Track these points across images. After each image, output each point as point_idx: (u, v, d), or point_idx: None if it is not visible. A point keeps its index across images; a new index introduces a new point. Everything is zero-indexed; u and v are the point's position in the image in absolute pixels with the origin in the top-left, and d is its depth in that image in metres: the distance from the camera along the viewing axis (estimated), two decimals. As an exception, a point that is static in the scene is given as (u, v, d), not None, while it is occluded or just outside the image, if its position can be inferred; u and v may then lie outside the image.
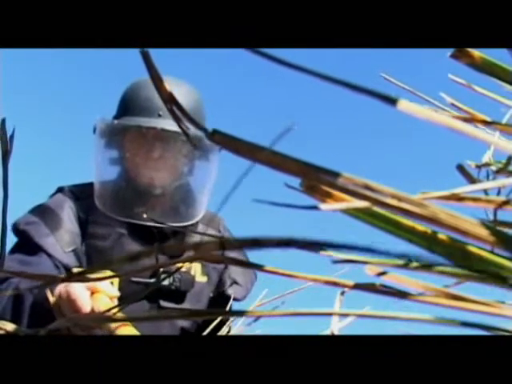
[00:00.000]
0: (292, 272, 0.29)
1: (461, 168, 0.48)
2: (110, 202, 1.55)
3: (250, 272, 1.62)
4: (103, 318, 0.33)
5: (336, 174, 0.27)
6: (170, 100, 0.32)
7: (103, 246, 1.51)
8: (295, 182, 0.29)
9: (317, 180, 0.27)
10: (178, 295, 1.50)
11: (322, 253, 0.29)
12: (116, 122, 1.56)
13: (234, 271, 1.61)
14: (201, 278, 1.56)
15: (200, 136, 1.54)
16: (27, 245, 1.42)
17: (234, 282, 1.58)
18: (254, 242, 0.27)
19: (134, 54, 0.32)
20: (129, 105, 1.56)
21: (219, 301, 1.55)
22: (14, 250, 1.45)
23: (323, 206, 0.29)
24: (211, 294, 1.58)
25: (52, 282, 0.31)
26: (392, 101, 0.26)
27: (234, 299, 1.56)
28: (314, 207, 0.29)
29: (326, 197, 0.29)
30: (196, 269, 1.56)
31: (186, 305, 1.51)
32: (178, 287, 1.49)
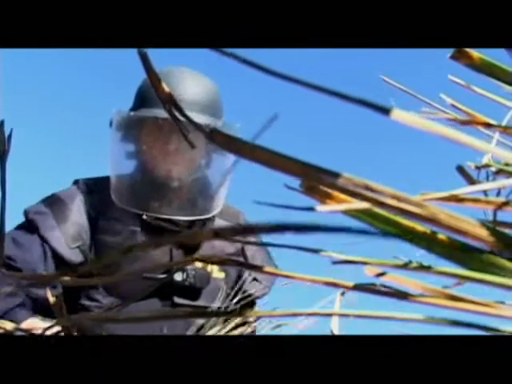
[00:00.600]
0: (292, 273, 0.29)
1: (461, 169, 0.48)
2: (127, 196, 1.51)
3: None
4: (105, 317, 0.33)
5: (336, 175, 0.27)
6: (168, 100, 0.32)
7: (113, 241, 1.47)
8: (295, 182, 0.29)
9: (317, 180, 0.27)
10: (192, 292, 1.46)
11: (322, 253, 0.29)
12: (132, 113, 1.52)
13: None
14: (218, 274, 1.52)
15: (223, 127, 1.48)
16: (29, 228, 1.41)
17: (254, 279, 1.54)
18: (246, 229, 0.27)
19: (134, 53, 0.32)
20: (145, 96, 1.52)
21: (238, 298, 1.51)
22: (18, 227, 1.44)
23: (322, 208, 0.29)
24: (229, 291, 1.53)
25: (50, 280, 0.31)
26: (385, 110, 0.26)
27: (254, 296, 1.52)
28: (313, 208, 0.29)
29: (325, 197, 0.29)
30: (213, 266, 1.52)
31: (201, 302, 1.48)
32: (192, 283, 1.45)
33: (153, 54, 0.33)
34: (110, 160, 1.57)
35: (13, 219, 1.47)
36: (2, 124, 0.40)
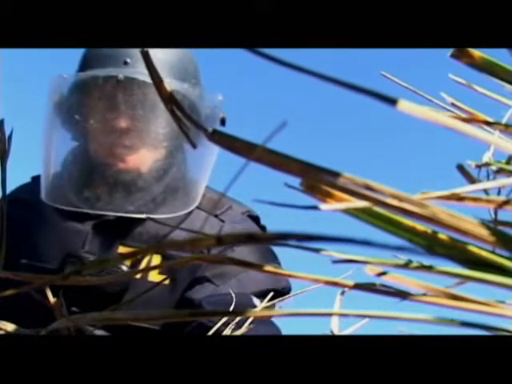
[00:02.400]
0: (292, 272, 0.29)
1: (461, 168, 0.48)
2: (59, 191, 1.16)
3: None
4: (105, 318, 0.33)
5: (336, 174, 0.27)
6: (170, 101, 0.32)
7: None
8: (295, 182, 0.29)
9: (317, 180, 0.27)
10: (100, 297, 1.06)
11: (323, 252, 0.29)
12: (65, 76, 1.17)
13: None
14: (157, 278, 1.12)
15: (193, 93, 1.18)
16: None
17: (208, 280, 1.12)
18: (248, 237, 0.27)
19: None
20: (87, 57, 1.17)
21: (183, 306, 1.11)
22: None
23: (323, 206, 0.29)
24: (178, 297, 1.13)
25: (50, 282, 0.31)
26: (392, 101, 0.26)
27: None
28: (314, 207, 0.29)
29: (326, 197, 0.29)
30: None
31: (119, 314, 1.01)
32: (97, 286, 1.06)
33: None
34: (42, 145, 1.20)
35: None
36: (2, 123, 0.40)
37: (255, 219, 1.29)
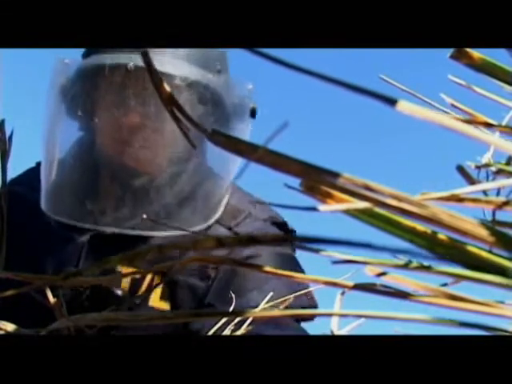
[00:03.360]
0: (291, 272, 0.29)
1: (461, 169, 0.48)
2: (60, 202, 1.00)
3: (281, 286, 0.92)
4: (106, 318, 0.33)
5: (336, 174, 0.27)
6: (170, 101, 0.32)
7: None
8: (295, 182, 0.29)
9: (317, 180, 0.27)
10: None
11: (322, 253, 0.29)
12: (67, 61, 1.00)
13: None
14: (159, 304, 0.99)
15: (217, 81, 1.01)
16: None
17: (209, 305, 0.98)
18: (250, 239, 0.27)
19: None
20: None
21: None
22: None
23: (323, 207, 0.29)
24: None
25: (50, 282, 0.31)
26: (391, 101, 0.26)
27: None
28: (314, 208, 0.29)
29: (326, 197, 0.29)
30: (155, 290, 0.99)
31: None
32: (78, 306, 0.94)
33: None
34: (43, 140, 1.04)
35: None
36: (3, 123, 0.40)
37: (280, 225, 1.11)
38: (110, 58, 0.94)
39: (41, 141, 1.05)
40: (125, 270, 0.95)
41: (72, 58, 1.02)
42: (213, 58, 1.04)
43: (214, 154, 1.08)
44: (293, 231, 1.12)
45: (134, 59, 0.92)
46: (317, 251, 0.29)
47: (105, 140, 1.02)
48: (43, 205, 1.01)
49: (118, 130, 0.98)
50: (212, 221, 1.04)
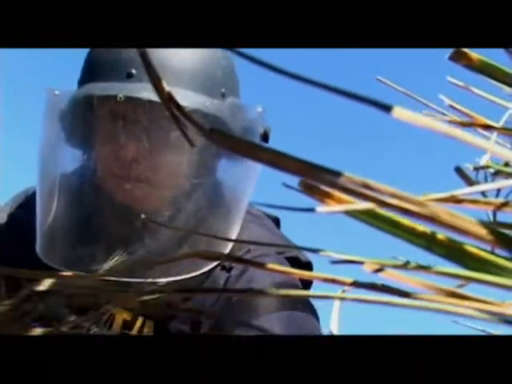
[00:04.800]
0: (290, 269, 0.29)
1: (459, 170, 0.48)
2: (54, 248, 0.91)
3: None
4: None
5: (335, 174, 0.27)
6: (169, 100, 0.32)
7: None
8: (293, 182, 0.29)
9: (316, 179, 0.27)
10: None
11: (321, 253, 0.29)
12: (57, 93, 0.92)
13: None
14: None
15: (219, 107, 0.89)
16: None
17: None
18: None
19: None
20: (87, 64, 0.93)
21: None
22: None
23: (321, 209, 0.29)
24: None
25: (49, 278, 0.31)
26: (386, 108, 0.26)
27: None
28: (312, 209, 0.29)
29: (325, 197, 0.29)
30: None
31: None
32: None
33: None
34: (37, 179, 0.95)
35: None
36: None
37: (294, 261, 0.97)
38: (100, 89, 0.87)
39: (36, 177, 0.97)
40: (117, 312, 0.89)
41: (64, 88, 0.95)
42: (217, 80, 0.94)
43: (226, 184, 0.97)
44: (309, 265, 0.99)
45: (123, 89, 0.86)
46: (316, 251, 0.29)
47: (96, 176, 0.93)
48: (38, 249, 0.92)
49: (112, 166, 0.90)
50: (207, 268, 0.90)
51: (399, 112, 0.26)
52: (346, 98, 0.26)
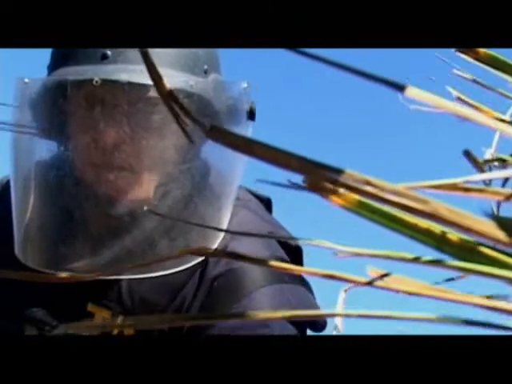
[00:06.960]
0: (290, 265, 0.28)
1: (467, 154, 0.46)
2: (33, 247, 0.86)
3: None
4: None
5: (337, 170, 0.26)
6: (169, 97, 0.32)
7: None
8: (297, 178, 0.29)
9: (318, 176, 0.27)
10: None
11: (324, 245, 0.29)
12: (27, 81, 0.85)
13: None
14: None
15: (203, 84, 0.85)
16: None
17: None
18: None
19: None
20: (56, 52, 0.85)
21: None
22: None
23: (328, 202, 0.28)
24: None
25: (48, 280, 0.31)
26: (400, 87, 0.26)
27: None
28: (300, 186, 0.28)
29: (330, 193, 0.29)
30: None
31: None
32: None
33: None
34: (11, 176, 0.89)
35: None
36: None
37: (284, 245, 0.95)
38: (74, 73, 0.80)
39: (10, 174, 0.90)
40: (96, 310, 0.83)
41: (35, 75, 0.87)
42: (199, 58, 0.89)
43: (211, 170, 0.92)
44: (298, 249, 0.96)
45: (99, 72, 0.78)
46: (318, 244, 0.29)
47: (74, 168, 0.86)
48: (16, 250, 0.86)
49: (92, 155, 0.84)
50: (189, 265, 0.83)
51: (412, 91, 0.26)
52: (359, 76, 0.26)
